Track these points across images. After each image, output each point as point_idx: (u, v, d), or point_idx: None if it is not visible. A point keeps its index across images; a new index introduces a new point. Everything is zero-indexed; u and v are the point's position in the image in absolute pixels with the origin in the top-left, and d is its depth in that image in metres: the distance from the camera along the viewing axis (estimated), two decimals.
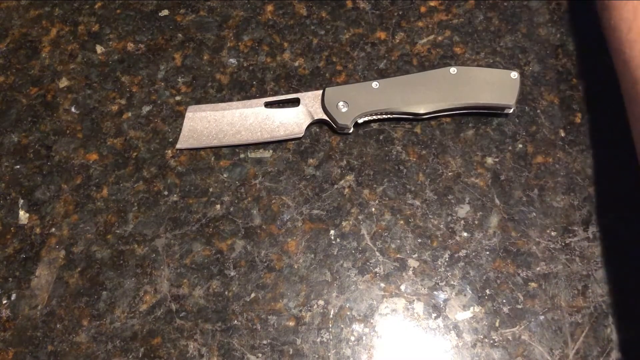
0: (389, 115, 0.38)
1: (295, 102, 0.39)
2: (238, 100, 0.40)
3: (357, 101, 0.38)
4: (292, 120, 0.39)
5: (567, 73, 0.40)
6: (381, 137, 0.39)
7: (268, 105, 0.39)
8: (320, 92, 0.39)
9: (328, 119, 0.38)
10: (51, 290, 0.34)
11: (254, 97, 0.40)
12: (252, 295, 0.34)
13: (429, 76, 0.39)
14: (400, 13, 0.44)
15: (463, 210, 0.36)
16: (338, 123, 0.38)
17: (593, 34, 0.42)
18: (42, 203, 0.37)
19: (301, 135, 0.38)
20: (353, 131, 0.39)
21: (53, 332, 0.33)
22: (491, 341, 0.32)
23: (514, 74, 0.38)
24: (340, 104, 0.38)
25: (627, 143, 0.38)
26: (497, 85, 0.38)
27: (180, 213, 0.36)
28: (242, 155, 0.38)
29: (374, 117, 0.39)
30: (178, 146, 0.38)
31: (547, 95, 0.40)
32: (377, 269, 0.34)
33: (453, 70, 0.38)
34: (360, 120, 0.38)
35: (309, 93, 0.39)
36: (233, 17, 0.44)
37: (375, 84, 0.38)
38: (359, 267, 0.34)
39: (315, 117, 0.39)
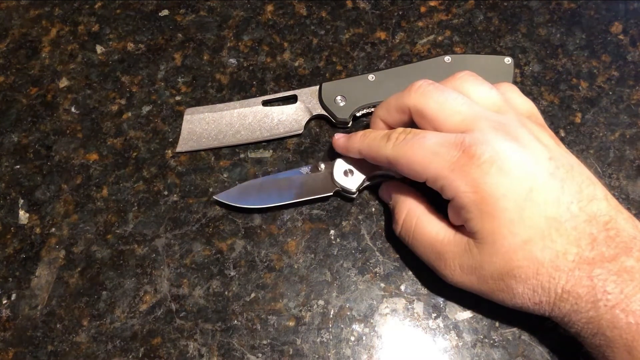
0: None
1: (293, 99, 0.39)
2: (238, 100, 0.40)
3: (355, 94, 0.38)
4: (291, 117, 0.39)
5: (567, 73, 0.40)
6: None
7: (266, 103, 0.39)
8: (317, 87, 0.39)
9: (327, 114, 0.38)
10: (51, 290, 0.34)
11: (253, 97, 0.40)
12: (252, 295, 0.34)
13: (424, 66, 0.39)
14: (400, 13, 0.44)
15: None
16: (337, 117, 0.38)
17: (593, 33, 0.42)
18: (42, 203, 0.37)
19: (301, 131, 0.38)
20: (352, 125, 0.39)
21: (53, 332, 0.33)
22: (491, 341, 0.32)
23: (508, 59, 0.39)
24: (338, 98, 0.38)
25: (627, 143, 0.38)
26: (491, 71, 0.38)
27: (180, 213, 0.36)
28: (242, 155, 0.38)
29: (372, 109, 0.39)
30: (178, 149, 0.38)
31: (547, 95, 0.40)
32: (377, 269, 0.34)
33: (447, 58, 0.39)
34: (358, 114, 0.39)
35: (306, 89, 0.39)
36: (233, 17, 0.44)
37: (371, 77, 0.39)
38: (359, 267, 0.34)
39: (314, 113, 0.39)
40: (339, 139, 0.35)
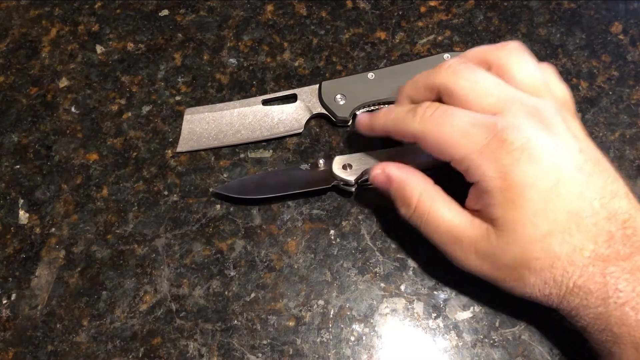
0: (386, 105, 0.38)
1: (293, 99, 0.39)
2: (238, 100, 0.40)
3: (354, 93, 0.38)
4: (291, 116, 0.39)
5: (567, 73, 0.40)
6: None
7: (266, 102, 0.39)
8: (317, 86, 0.39)
9: (327, 113, 0.38)
10: (51, 290, 0.34)
11: (253, 97, 0.40)
12: (252, 295, 0.34)
13: (423, 64, 0.39)
14: (400, 13, 0.44)
15: None
16: (337, 116, 0.38)
17: (593, 33, 0.42)
18: (42, 203, 0.37)
19: (301, 130, 0.38)
20: (352, 124, 0.39)
21: (53, 332, 0.33)
22: (491, 341, 0.32)
23: None
24: (338, 96, 0.38)
25: (627, 143, 0.38)
26: None
27: (180, 213, 0.36)
28: (242, 155, 0.38)
29: (372, 107, 0.39)
30: (178, 149, 0.38)
31: None
32: (377, 269, 0.34)
33: (446, 56, 0.39)
34: (358, 112, 0.39)
35: (306, 88, 0.40)
36: (233, 17, 0.44)
37: (371, 75, 0.39)
38: (359, 267, 0.34)
39: (314, 112, 0.39)
40: (362, 117, 0.34)
